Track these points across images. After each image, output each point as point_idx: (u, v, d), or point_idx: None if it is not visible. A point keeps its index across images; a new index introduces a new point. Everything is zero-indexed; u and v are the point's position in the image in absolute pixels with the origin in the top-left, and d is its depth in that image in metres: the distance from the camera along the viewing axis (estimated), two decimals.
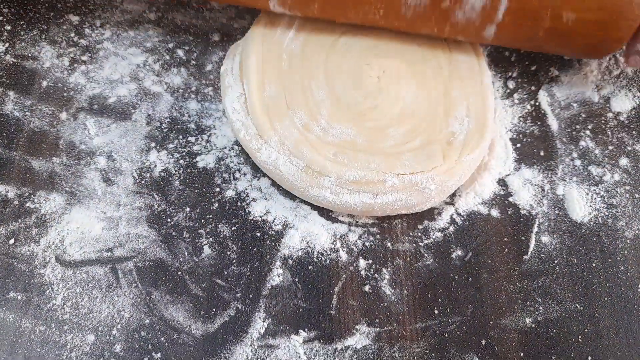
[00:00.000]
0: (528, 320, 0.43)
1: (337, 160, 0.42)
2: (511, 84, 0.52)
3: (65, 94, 0.50)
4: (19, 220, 0.44)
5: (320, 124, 0.44)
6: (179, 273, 0.43)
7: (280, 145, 0.43)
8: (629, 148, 0.49)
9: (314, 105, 0.45)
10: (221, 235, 0.44)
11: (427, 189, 0.42)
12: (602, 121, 0.51)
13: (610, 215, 0.47)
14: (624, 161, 0.49)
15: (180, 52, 0.52)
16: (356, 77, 0.46)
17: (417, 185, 0.42)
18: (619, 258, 0.45)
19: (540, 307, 0.44)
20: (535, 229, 0.46)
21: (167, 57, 0.52)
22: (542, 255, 0.45)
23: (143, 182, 0.46)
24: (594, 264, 0.45)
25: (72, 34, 0.53)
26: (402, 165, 0.42)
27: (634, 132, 0.50)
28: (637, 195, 0.48)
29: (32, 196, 0.45)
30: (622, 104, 0.52)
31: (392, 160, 0.42)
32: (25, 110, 0.49)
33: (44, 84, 0.50)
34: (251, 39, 0.49)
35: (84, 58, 0.51)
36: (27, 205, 0.45)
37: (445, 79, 0.47)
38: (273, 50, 0.48)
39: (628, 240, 0.46)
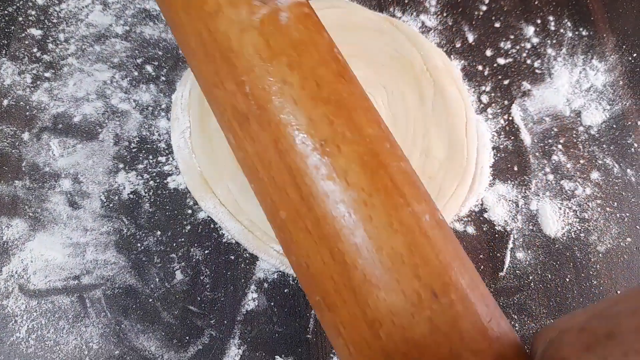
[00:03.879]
0: None
1: None
2: (485, 99, 0.52)
3: (27, 113, 0.48)
4: None
5: None
6: (150, 300, 0.42)
7: (222, 206, 0.43)
8: (600, 162, 0.50)
9: None
10: (194, 260, 0.43)
11: None
12: (574, 135, 0.51)
13: (582, 230, 0.47)
14: (595, 175, 0.49)
15: (149, 68, 0.51)
16: None
17: None
18: (591, 272, 0.46)
19: (516, 324, 0.44)
20: (510, 245, 0.46)
21: (136, 73, 0.50)
22: (517, 271, 0.46)
23: (111, 205, 0.45)
24: (567, 279, 0.46)
25: (35, 49, 0.50)
26: None
27: (604, 146, 0.51)
28: (608, 209, 0.48)
29: None
30: (593, 117, 0.52)
31: None
32: None
33: (5, 102, 0.48)
34: None
35: (47, 75, 0.49)
36: None
37: (426, 114, 0.47)
38: None
39: (600, 255, 0.47)
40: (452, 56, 0.54)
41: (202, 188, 0.44)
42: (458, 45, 0.54)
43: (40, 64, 0.50)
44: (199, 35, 0.31)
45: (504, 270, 0.45)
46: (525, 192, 0.48)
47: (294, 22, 0.31)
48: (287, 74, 0.30)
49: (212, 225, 0.45)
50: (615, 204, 0.48)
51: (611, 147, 0.51)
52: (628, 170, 0.50)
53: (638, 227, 0.48)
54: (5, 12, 0.52)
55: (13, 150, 0.46)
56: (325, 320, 0.30)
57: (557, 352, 0.24)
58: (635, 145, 0.51)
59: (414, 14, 0.56)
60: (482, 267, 0.45)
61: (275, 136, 0.29)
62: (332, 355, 0.41)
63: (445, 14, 0.56)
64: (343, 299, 0.28)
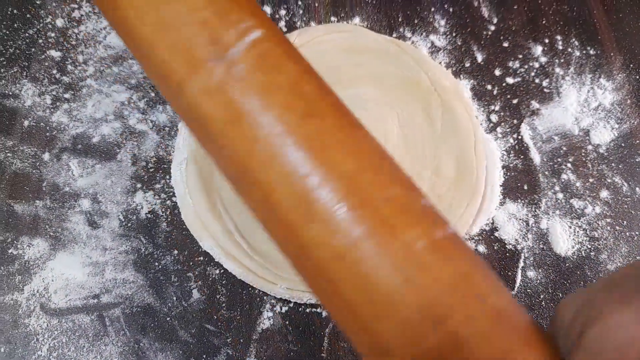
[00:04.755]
0: None
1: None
2: (494, 118, 0.53)
3: (47, 134, 0.49)
4: (2, 267, 0.43)
5: None
6: (168, 319, 0.43)
7: (219, 246, 0.43)
8: (609, 180, 0.51)
9: None
10: (210, 279, 0.44)
11: None
12: (583, 154, 0.52)
13: (592, 249, 0.48)
14: (604, 194, 0.50)
15: None
16: None
17: None
18: None
19: None
20: (521, 264, 0.47)
21: (152, 94, 0.51)
22: (529, 290, 0.46)
23: (129, 224, 0.46)
24: None
25: (54, 71, 0.52)
26: None
27: (612, 165, 0.52)
28: (617, 228, 0.49)
29: (15, 242, 0.44)
30: (601, 136, 0.53)
31: None
32: (7, 151, 0.48)
33: (26, 123, 0.49)
34: None
35: (67, 96, 0.51)
36: (10, 251, 0.44)
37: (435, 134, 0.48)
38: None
39: (610, 273, 0.47)
40: (461, 76, 0.55)
41: (197, 226, 0.44)
42: (467, 64, 0.55)
43: (60, 85, 0.51)
44: (179, 109, 0.30)
45: (515, 289, 0.46)
46: (535, 211, 0.49)
47: (250, 73, 0.29)
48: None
49: None
50: (625, 222, 0.49)
51: (620, 166, 0.51)
52: (637, 188, 0.50)
53: None
54: (26, 34, 0.53)
55: (34, 171, 0.47)
56: None
57: (591, 311, 0.24)
58: None
59: (424, 34, 0.57)
60: None
61: (264, 192, 0.28)
62: None
63: (454, 34, 0.57)
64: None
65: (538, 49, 0.57)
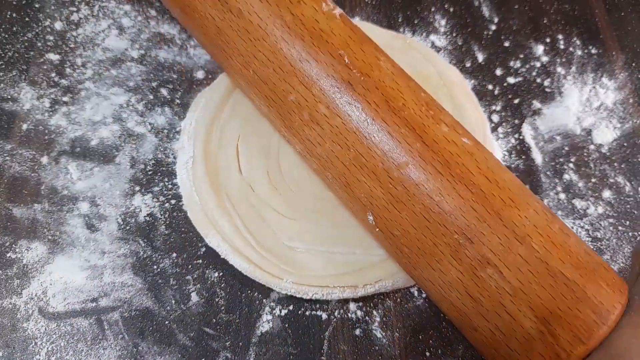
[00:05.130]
0: None
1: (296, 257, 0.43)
2: (495, 118, 0.53)
3: (46, 137, 0.49)
4: (0, 271, 0.43)
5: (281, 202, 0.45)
6: (167, 322, 0.42)
7: (226, 242, 0.43)
8: (611, 180, 0.50)
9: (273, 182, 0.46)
10: (209, 282, 0.44)
11: None
12: (585, 154, 0.51)
13: (595, 249, 0.47)
14: (606, 194, 0.50)
15: (164, 91, 0.52)
16: None
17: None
18: None
19: None
20: None
21: (151, 97, 0.51)
22: None
23: (128, 227, 0.45)
24: None
25: (53, 74, 0.52)
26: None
27: (615, 164, 0.51)
28: (620, 228, 0.48)
29: (13, 246, 0.44)
30: (603, 135, 0.52)
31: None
32: (5, 155, 0.48)
33: (24, 126, 0.49)
34: (216, 89, 0.49)
35: (65, 99, 0.51)
36: (8, 255, 0.44)
37: None
38: (236, 110, 0.48)
39: None
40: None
41: (204, 223, 0.44)
42: (468, 64, 0.55)
43: (59, 88, 0.51)
44: (280, 18, 0.37)
45: None
46: None
47: (352, 24, 0.39)
48: (377, 54, 0.38)
49: None
50: (628, 222, 0.48)
51: (622, 166, 0.51)
52: None
53: None
54: (25, 37, 0.53)
55: (32, 174, 0.47)
56: (467, 256, 0.32)
57: None
58: None
59: (424, 34, 0.56)
60: None
61: (386, 97, 0.35)
62: None
63: (454, 34, 0.57)
64: (488, 225, 0.32)
65: (539, 49, 0.56)
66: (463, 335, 0.38)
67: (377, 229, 0.37)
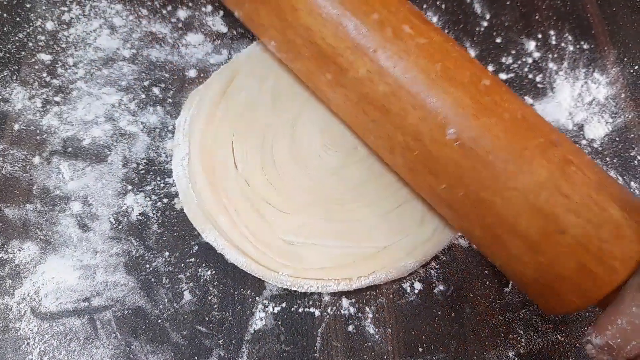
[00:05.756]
0: (511, 354, 0.43)
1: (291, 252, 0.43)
2: None
3: (38, 137, 0.49)
4: None
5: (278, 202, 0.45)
6: (159, 321, 0.42)
7: (223, 237, 0.43)
8: None
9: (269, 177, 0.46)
10: (202, 280, 0.44)
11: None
12: None
13: None
14: None
15: (156, 90, 0.52)
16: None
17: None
18: None
19: (523, 340, 0.44)
20: None
21: (143, 96, 0.51)
22: None
23: (120, 227, 0.45)
24: None
25: (44, 74, 0.52)
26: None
27: (607, 159, 0.51)
28: None
29: (5, 246, 0.44)
30: (596, 130, 0.52)
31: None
32: None
33: (16, 127, 0.49)
34: (210, 86, 0.49)
35: (57, 99, 0.51)
36: (0, 255, 0.44)
37: None
38: (230, 107, 0.48)
39: None
40: None
41: (200, 219, 0.44)
42: None
43: (50, 88, 0.51)
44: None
45: (510, 285, 0.46)
46: None
47: None
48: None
49: None
50: None
51: (614, 160, 0.51)
52: (632, 183, 0.50)
53: None
54: (16, 38, 0.53)
55: (24, 174, 0.47)
56: (555, 155, 0.35)
57: None
58: (639, 157, 0.51)
59: None
60: (487, 282, 0.46)
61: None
62: None
63: (446, 30, 0.57)
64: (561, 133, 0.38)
65: (531, 45, 0.56)
66: (540, 251, 0.35)
67: (458, 142, 0.37)
